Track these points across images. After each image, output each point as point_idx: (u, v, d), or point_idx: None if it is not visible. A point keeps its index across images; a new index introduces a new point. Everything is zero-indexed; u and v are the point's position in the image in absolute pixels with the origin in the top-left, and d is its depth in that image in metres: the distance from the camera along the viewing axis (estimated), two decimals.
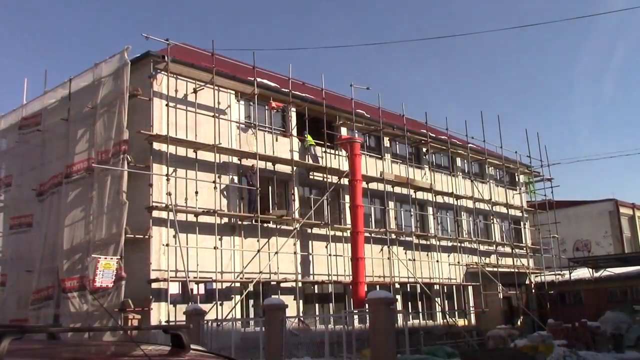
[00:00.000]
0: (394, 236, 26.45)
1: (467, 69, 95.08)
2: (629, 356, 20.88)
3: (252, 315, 20.99)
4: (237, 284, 20.58)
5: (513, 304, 32.58)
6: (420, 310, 27.58)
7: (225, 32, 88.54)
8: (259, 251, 21.03)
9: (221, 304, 19.59)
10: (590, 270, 33.77)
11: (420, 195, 29.00)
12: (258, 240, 21.01)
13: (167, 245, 18.74)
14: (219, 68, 21.27)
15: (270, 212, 22.19)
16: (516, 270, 31.66)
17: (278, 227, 22.21)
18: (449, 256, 29.51)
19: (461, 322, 28.96)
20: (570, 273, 33.78)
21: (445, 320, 27.72)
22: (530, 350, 17.95)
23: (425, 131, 29.71)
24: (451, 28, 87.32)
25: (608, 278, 32.96)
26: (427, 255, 28.31)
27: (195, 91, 20.75)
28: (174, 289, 18.94)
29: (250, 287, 20.42)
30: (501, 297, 30.81)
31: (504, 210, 33.69)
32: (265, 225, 21.60)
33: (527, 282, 33.95)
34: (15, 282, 22.06)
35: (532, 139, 57.42)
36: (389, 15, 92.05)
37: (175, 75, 20.35)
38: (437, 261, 28.45)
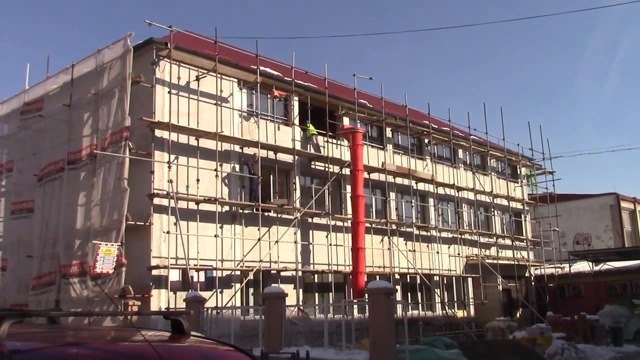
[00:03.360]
0: (394, 227, 26.45)
1: (470, 61, 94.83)
2: (627, 350, 20.92)
3: (251, 303, 21.04)
4: (238, 272, 20.61)
5: (512, 296, 32.64)
6: (420, 301, 27.63)
7: (228, 20, 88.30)
8: (259, 240, 21.06)
9: (221, 292, 19.64)
10: (590, 263, 33.81)
11: (421, 186, 28.99)
12: (259, 229, 21.02)
13: (168, 232, 18.76)
14: (221, 56, 21.22)
15: (272, 201, 22.20)
16: (516, 262, 31.70)
17: (279, 216, 22.22)
18: (449, 248, 29.54)
19: (460, 313, 29.03)
20: (570, 266, 33.83)
21: (444, 312, 27.78)
22: (528, 343, 17.98)
23: (427, 122, 29.65)
24: (455, 19, 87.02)
25: (608, 272, 33.02)
26: (428, 246, 28.34)
27: (197, 79, 20.69)
28: (174, 276, 18.98)
29: (251, 276, 20.45)
30: (501, 289, 30.87)
31: (505, 202, 33.69)
32: (266, 214, 21.61)
33: (526, 274, 34.00)
34: (16, 268, 22.11)
35: (534, 132, 57.25)
36: (394, 6, 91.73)
37: (177, 63, 20.29)
38: (438, 252, 28.48)
